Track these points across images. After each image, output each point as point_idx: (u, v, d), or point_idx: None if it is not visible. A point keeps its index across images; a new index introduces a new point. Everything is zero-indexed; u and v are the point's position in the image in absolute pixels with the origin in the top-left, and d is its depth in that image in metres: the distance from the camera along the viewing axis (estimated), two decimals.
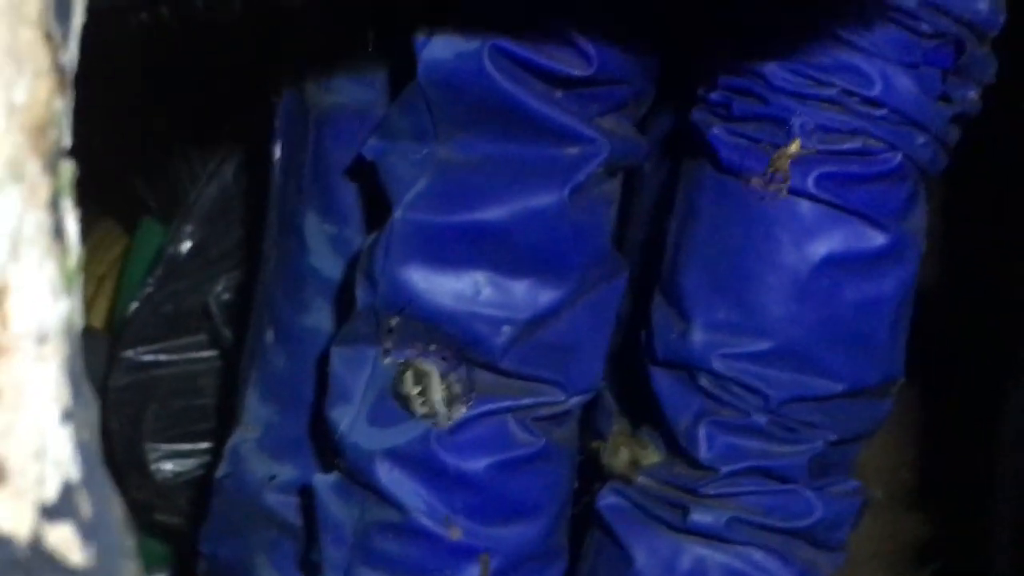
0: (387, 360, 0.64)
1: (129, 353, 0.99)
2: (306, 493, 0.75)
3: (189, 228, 0.99)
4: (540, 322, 0.70)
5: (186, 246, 0.99)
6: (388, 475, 0.70)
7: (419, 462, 0.70)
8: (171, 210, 1.05)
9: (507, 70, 0.67)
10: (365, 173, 0.74)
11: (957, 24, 0.68)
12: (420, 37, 0.68)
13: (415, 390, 0.59)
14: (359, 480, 0.71)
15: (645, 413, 0.76)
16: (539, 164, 0.68)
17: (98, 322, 1.20)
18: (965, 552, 0.88)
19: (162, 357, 0.99)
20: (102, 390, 1.01)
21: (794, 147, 0.66)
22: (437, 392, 0.59)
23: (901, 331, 0.72)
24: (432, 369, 0.60)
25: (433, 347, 0.61)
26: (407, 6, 0.70)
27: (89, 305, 1.23)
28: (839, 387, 0.71)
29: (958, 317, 0.92)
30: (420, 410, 0.59)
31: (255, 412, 0.80)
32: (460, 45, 0.67)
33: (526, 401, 0.71)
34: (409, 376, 0.60)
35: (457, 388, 0.60)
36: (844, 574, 0.87)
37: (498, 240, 0.69)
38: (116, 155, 1.13)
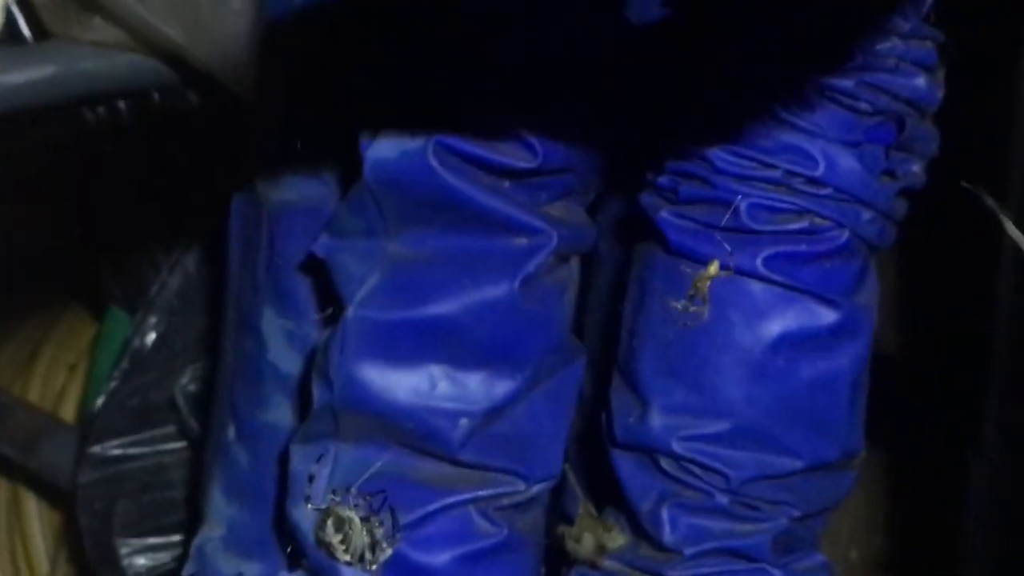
0: (308, 507, 0.64)
1: (96, 448, 0.98)
2: None
3: (153, 320, 0.99)
4: (497, 413, 0.70)
5: (150, 338, 0.99)
6: (353, 573, 0.70)
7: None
8: (136, 299, 1.05)
9: (452, 165, 0.67)
10: (319, 268, 0.74)
11: (896, 101, 0.68)
12: (365, 138, 0.68)
13: (336, 538, 0.60)
14: None
15: (609, 496, 0.76)
16: (488, 256, 0.68)
17: (69, 412, 1.20)
18: None
19: (131, 451, 0.99)
20: (72, 486, 1.01)
21: (712, 269, 0.66)
22: (359, 538, 0.59)
23: (858, 406, 0.72)
24: (352, 516, 0.60)
25: (352, 491, 0.61)
26: (352, 105, 0.71)
27: (60, 394, 1.22)
28: (799, 464, 0.71)
29: (920, 381, 0.92)
30: (343, 557, 0.59)
31: (219, 510, 0.80)
32: (405, 143, 0.67)
33: (486, 492, 0.71)
34: (330, 524, 0.60)
35: (379, 531, 0.60)
36: None
37: (451, 334, 0.69)
38: (81, 243, 1.13)
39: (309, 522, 0.70)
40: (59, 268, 1.23)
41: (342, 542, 0.59)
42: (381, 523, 0.60)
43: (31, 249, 1.20)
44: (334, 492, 0.61)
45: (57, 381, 1.23)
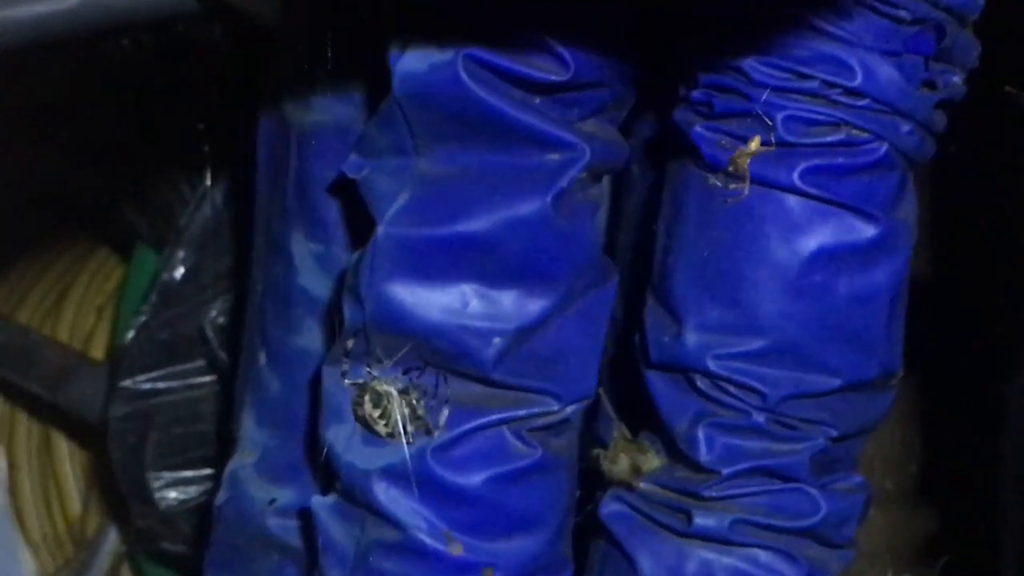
0: (346, 382, 0.63)
1: (127, 382, 0.98)
2: (305, 516, 0.75)
3: (181, 254, 0.99)
4: (530, 332, 0.69)
5: (179, 272, 0.99)
6: (385, 494, 0.69)
7: (416, 479, 0.69)
8: (164, 237, 1.05)
9: (483, 79, 0.66)
10: (348, 190, 0.73)
11: (937, 9, 0.67)
12: (393, 51, 0.67)
13: (375, 412, 0.59)
14: (357, 500, 0.71)
15: (644, 418, 0.75)
16: (520, 172, 0.67)
17: (99, 353, 1.20)
18: (975, 544, 0.87)
19: (160, 385, 0.99)
20: (103, 421, 1.01)
21: (754, 145, 0.65)
22: (398, 411, 0.58)
23: (897, 323, 0.71)
24: (389, 389, 0.59)
25: (388, 363, 0.60)
26: (381, 20, 0.70)
27: (89, 336, 1.23)
28: (837, 382, 0.70)
29: (957, 308, 0.91)
30: (383, 431, 0.59)
31: (251, 436, 0.79)
32: (434, 56, 0.66)
33: (520, 412, 0.70)
34: (367, 398, 0.59)
35: (420, 405, 0.59)
36: (855, 569, 0.86)
37: (483, 251, 0.68)
38: (106, 184, 1.13)
39: (342, 441, 0.69)
40: (85, 210, 1.23)
41: (381, 416, 0.58)
42: (423, 396, 0.58)
43: (55, 190, 1.19)
44: (369, 367, 0.60)
45: (86, 323, 1.23)
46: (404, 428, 0.58)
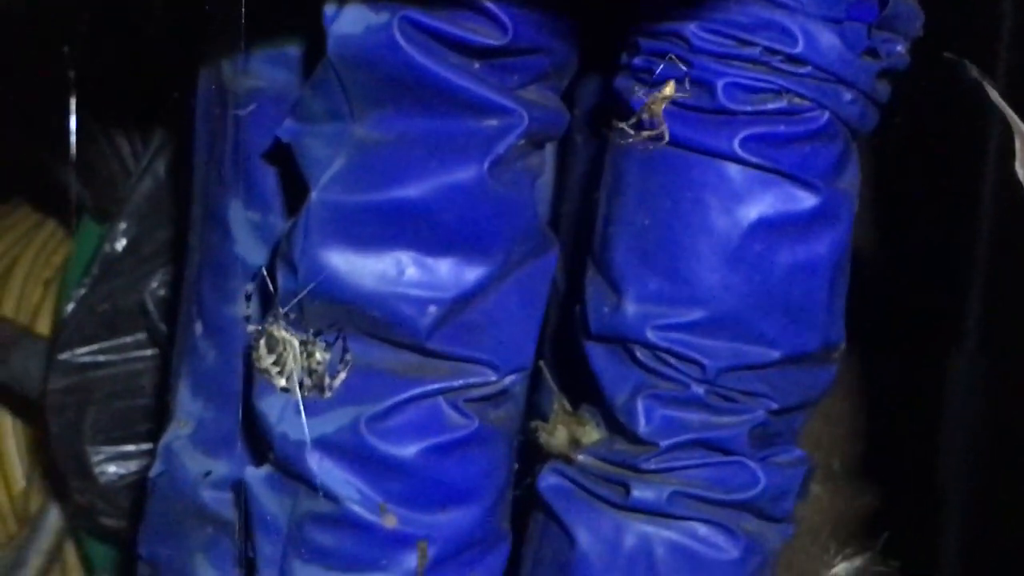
0: (249, 327, 0.61)
1: (66, 355, 0.97)
2: (239, 488, 0.73)
3: (123, 226, 0.97)
4: (467, 301, 0.68)
5: (121, 244, 0.97)
6: (319, 465, 0.68)
7: (349, 450, 0.68)
8: (108, 208, 1.03)
9: (419, 42, 0.65)
10: (285, 158, 0.72)
11: None
12: (328, 11, 0.66)
13: (269, 360, 0.57)
14: (290, 472, 0.69)
15: (584, 390, 0.74)
16: (457, 138, 0.66)
17: (44, 330, 1.18)
18: (916, 520, 0.87)
19: (100, 358, 0.97)
20: (41, 394, 1.00)
21: (668, 90, 0.64)
22: (294, 361, 0.57)
23: (838, 295, 0.71)
24: (288, 337, 0.57)
25: (292, 316, 0.58)
26: None
27: (36, 310, 1.21)
28: (776, 354, 0.69)
29: (900, 282, 0.90)
30: (278, 382, 0.57)
31: (186, 407, 0.78)
32: (369, 18, 0.65)
33: (457, 383, 0.69)
34: (263, 344, 0.57)
35: (319, 356, 0.57)
36: (798, 544, 0.86)
37: (419, 218, 0.67)
38: (52, 157, 1.11)
39: (275, 411, 0.68)
40: (32, 184, 1.21)
41: (275, 363, 0.56)
42: (327, 349, 0.57)
43: (2, 163, 1.17)
44: (273, 316, 0.59)
45: (32, 297, 1.21)
46: (300, 382, 0.56)
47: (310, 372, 0.56)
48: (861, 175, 0.71)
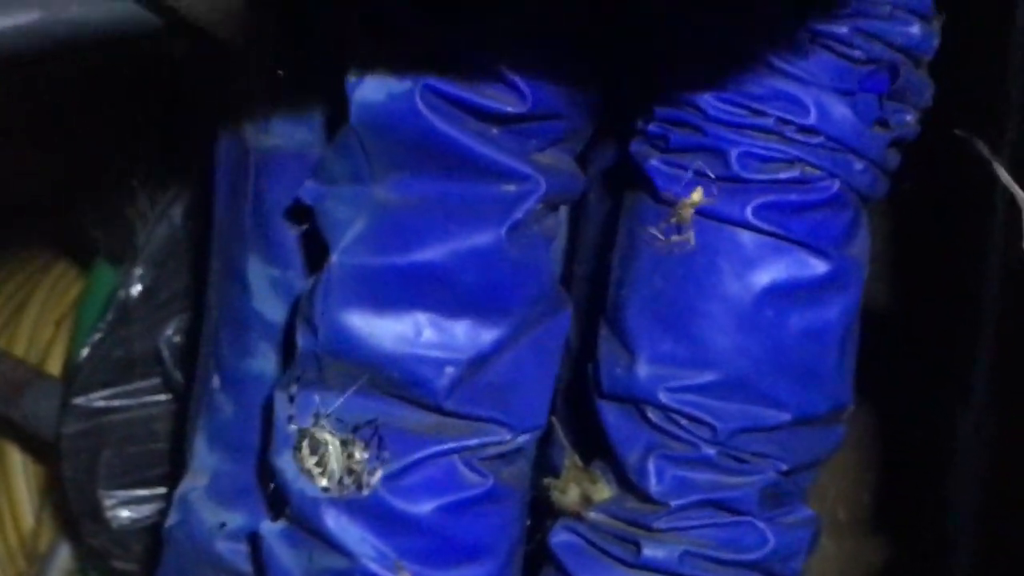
0: (291, 427, 0.63)
1: (81, 400, 0.98)
2: (255, 541, 0.74)
3: (139, 271, 0.99)
4: (483, 361, 0.69)
5: (136, 290, 0.98)
6: (335, 521, 0.69)
7: (365, 507, 0.69)
8: (123, 251, 1.04)
9: (440, 109, 0.66)
10: (305, 216, 0.73)
11: (891, 49, 0.67)
12: (352, 78, 0.67)
13: (312, 460, 0.59)
14: (306, 527, 0.70)
15: (596, 448, 0.75)
16: (476, 203, 0.68)
17: (56, 365, 1.19)
18: (924, 572, 0.88)
19: (115, 403, 0.98)
20: (56, 437, 1.01)
21: (696, 196, 0.65)
22: (335, 462, 0.58)
23: (848, 359, 0.72)
24: (329, 438, 0.59)
25: (333, 416, 0.60)
26: (340, 46, 0.70)
27: (47, 349, 1.22)
28: (787, 416, 0.70)
29: (909, 340, 0.92)
30: (320, 482, 0.59)
31: (203, 459, 0.79)
32: (392, 86, 0.66)
33: (472, 442, 0.70)
34: (306, 445, 0.59)
35: (359, 456, 0.59)
36: None
37: (437, 280, 0.68)
38: (68, 195, 1.12)
39: (292, 470, 0.69)
40: (46, 222, 1.22)
41: (318, 464, 0.58)
42: (365, 448, 0.58)
43: (16, 201, 1.19)
44: (315, 417, 0.60)
45: (44, 336, 1.22)
46: (340, 480, 0.58)
47: (349, 471, 0.57)
48: (870, 236, 0.72)
